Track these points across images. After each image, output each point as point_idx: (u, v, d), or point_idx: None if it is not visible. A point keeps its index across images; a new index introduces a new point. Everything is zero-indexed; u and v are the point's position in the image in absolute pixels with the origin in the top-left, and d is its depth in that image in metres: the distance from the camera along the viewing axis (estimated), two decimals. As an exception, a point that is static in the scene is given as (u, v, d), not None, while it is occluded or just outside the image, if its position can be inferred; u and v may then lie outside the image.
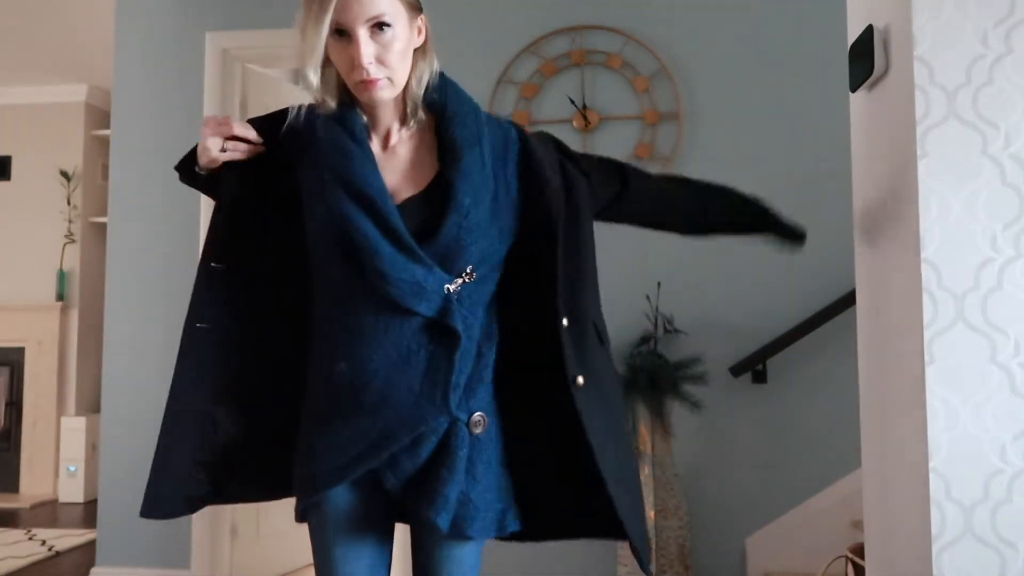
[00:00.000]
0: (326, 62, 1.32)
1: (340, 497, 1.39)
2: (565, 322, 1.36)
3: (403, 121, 1.40)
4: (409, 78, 1.35)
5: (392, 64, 1.29)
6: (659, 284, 3.22)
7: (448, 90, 1.40)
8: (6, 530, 4.56)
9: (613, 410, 1.46)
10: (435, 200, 1.34)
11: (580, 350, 1.39)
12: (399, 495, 1.36)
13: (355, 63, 1.27)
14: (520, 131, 1.45)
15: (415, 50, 1.35)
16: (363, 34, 1.26)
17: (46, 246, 5.64)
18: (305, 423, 1.40)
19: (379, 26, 1.27)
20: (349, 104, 1.37)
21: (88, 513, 4.98)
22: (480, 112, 1.42)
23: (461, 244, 1.32)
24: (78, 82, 5.66)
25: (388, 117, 1.39)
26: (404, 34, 1.30)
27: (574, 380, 1.36)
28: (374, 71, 1.28)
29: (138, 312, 3.45)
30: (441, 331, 1.34)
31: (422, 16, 1.36)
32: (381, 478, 1.36)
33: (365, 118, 1.39)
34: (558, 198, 1.39)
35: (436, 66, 1.40)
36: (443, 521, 1.32)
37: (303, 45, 1.28)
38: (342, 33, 1.27)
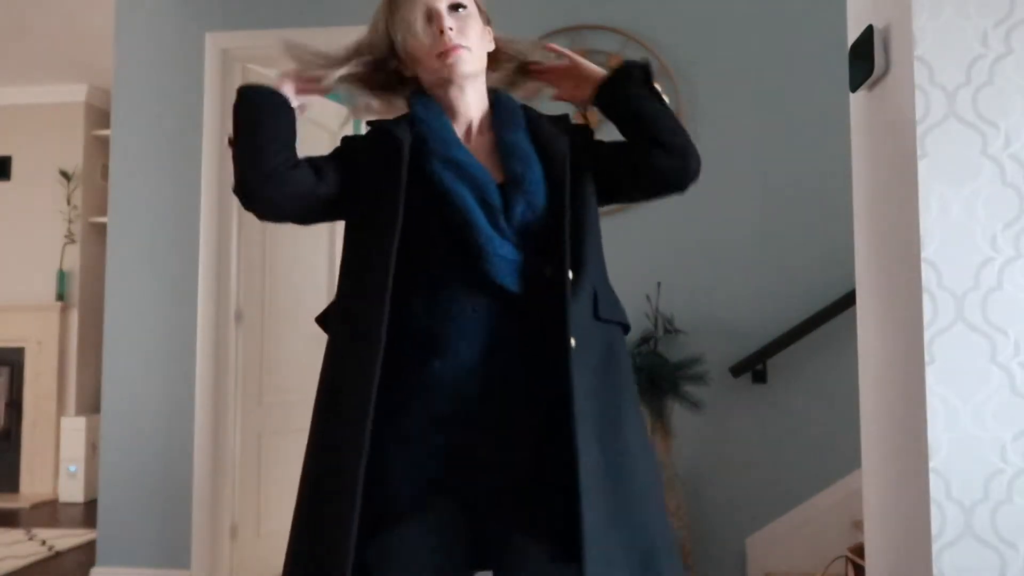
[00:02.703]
0: (407, 65, 1.41)
1: (416, 534, 1.26)
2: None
3: (480, 118, 1.44)
4: (488, 75, 1.45)
5: (469, 36, 1.38)
6: (659, 284, 3.22)
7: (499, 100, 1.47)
8: (6, 530, 4.55)
9: (613, 392, 1.34)
10: (510, 192, 1.34)
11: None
12: (493, 516, 1.26)
13: (438, 29, 1.36)
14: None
15: (488, 55, 1.44)
16: (443, 8, 1.38)
17: (46, 246, 5.62)
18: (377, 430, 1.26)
19: (455, 7, 1.39)
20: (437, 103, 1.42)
21: (88, 513, 4.97)
22: (526, 111, 1.47)
23: (533, 230, 1.33)
24: (78, 82, 5.65)
25: (468, 111, 1.42)
26: (478, 22, 1.41)
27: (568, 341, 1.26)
28: (455, 37, 1.36)
29: (138, 312, 3.44)
30: (538, 324, 1.29)
31: (490, 28, 1.45)
32: (472, 498, 1.27)
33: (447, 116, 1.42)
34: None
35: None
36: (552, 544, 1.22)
37: (407, 34, 1.38)
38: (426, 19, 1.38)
